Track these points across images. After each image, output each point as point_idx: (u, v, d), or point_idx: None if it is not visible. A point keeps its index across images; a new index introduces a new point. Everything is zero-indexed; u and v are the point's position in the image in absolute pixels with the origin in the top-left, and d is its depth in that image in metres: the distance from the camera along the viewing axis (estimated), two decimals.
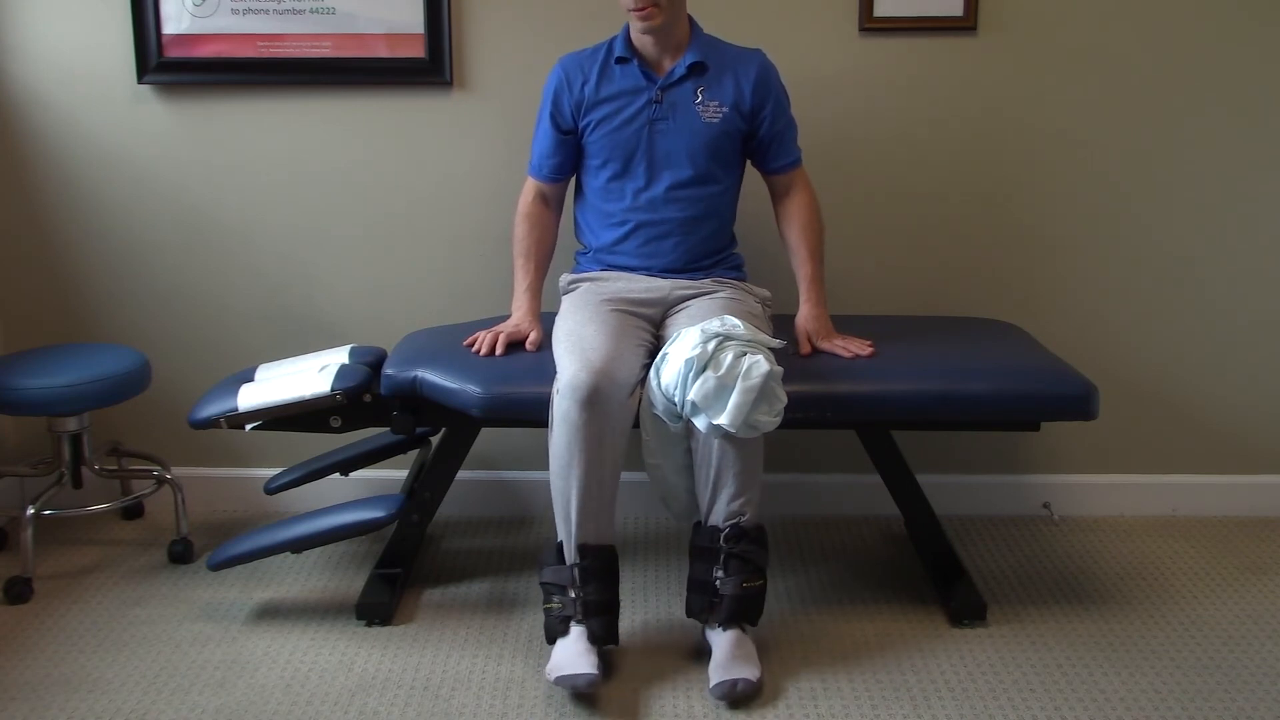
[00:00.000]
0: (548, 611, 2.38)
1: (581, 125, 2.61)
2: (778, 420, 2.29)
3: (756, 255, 2.81)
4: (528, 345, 2.59)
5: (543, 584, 2.40)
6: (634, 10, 2.48)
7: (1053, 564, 2.89)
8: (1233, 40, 2.92)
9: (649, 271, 2.62)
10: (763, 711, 2.26)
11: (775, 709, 2.27)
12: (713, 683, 2.28)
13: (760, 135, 2.62)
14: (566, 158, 2.66)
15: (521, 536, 3.05)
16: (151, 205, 3.03)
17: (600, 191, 2.64)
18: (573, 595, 2.34)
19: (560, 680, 2.26)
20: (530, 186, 2.71)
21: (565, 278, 2.72)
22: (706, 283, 2.62)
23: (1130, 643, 2.51)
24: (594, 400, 2.28)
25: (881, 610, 2.65)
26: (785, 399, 2.30)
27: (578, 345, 2.37)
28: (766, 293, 2.68)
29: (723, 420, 2.23)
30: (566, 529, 2.36)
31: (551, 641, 2.36)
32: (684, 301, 2.58)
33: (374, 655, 2.46)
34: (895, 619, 2.61)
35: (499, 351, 2.56)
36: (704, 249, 2.64)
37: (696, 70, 2.57)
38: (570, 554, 2.36)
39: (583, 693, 2.27)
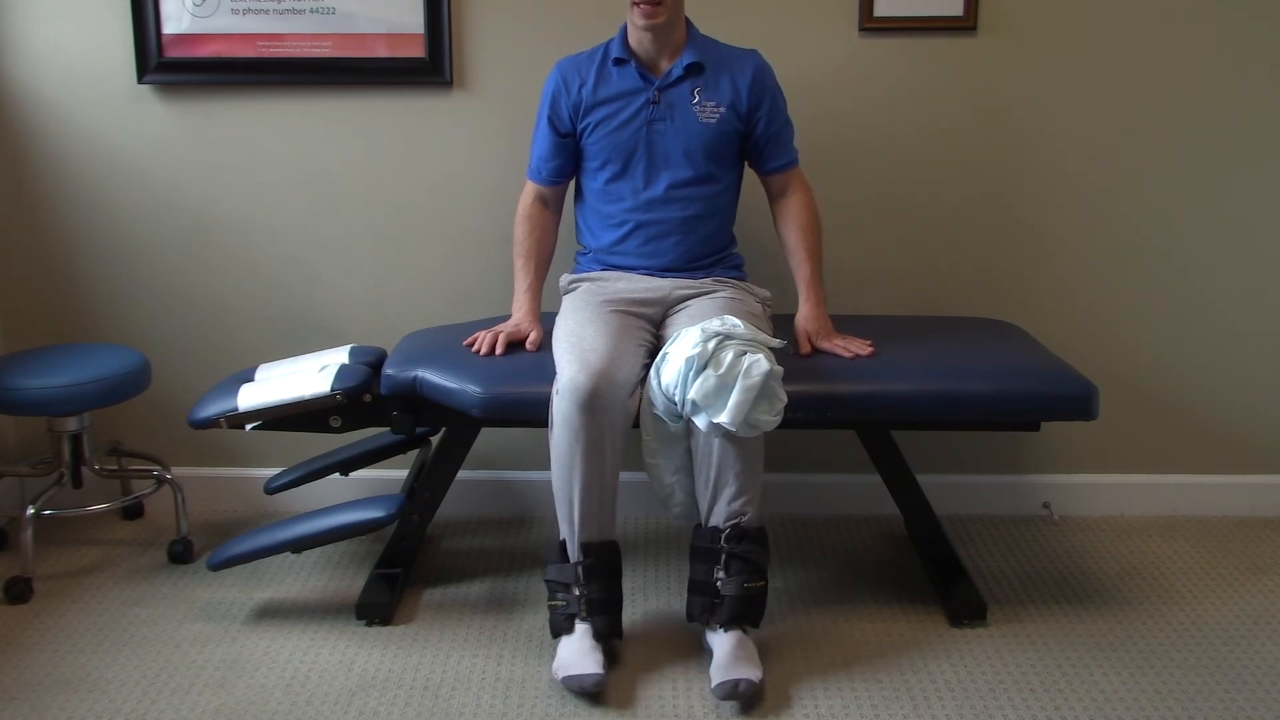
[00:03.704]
0: (552, 608, 2.40)
1: (580, 127, 2.61)
2: (778, 419, 2.29)
3: (757, 255, 2.81)
4: (528, 345, 2.59)
5: (547, 581, 2.41)
6: (639, 5, 2.47)
7: (1053, 564, 2.89)
8: (1233, 40, 2.92)
9: (649, 271, 2.62)
10: (763, 711, 2.26)
11: (775, 709, 2.27)
12: (714, 683, 2.28)
13: (756, 135, 2.62)
14: (566, 160, 2.66)
15: (521, 536, 3.05)
16: (151, 205, 3.03)
17: (599, 193, 2.64)
18: (577, 593, 2.35)
19: (567, 680, 2.28)
20: (530, 189, 2.71)
21: (565, 278, 2.72)
22: (707, 282, 2.62)
23: (1130, 643, 2.51)
24: (593, 402, 2.28)
25: (881, 610, 2.65)
26: (785, 398, 2.30)
27: (577, 346, 2.38)
28: (766, 293, 2.68)
29: (723, 419, 2.23)
30: (569, 528, 2.37)
31: (556, 636, 2.38)
32: (684, 301, 2.58)
33: (374, 655, 2.46)
34: (895, 619, 2.61)
35: (499, 351, 2.56)
36: (704, 249, 2.64)
37: (694, 71, 2.57)
38: (574, 552, 2.37)
39: (589, 692, 2.28)
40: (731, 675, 2.27)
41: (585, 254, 2.72)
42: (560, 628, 2.38)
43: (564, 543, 2.39)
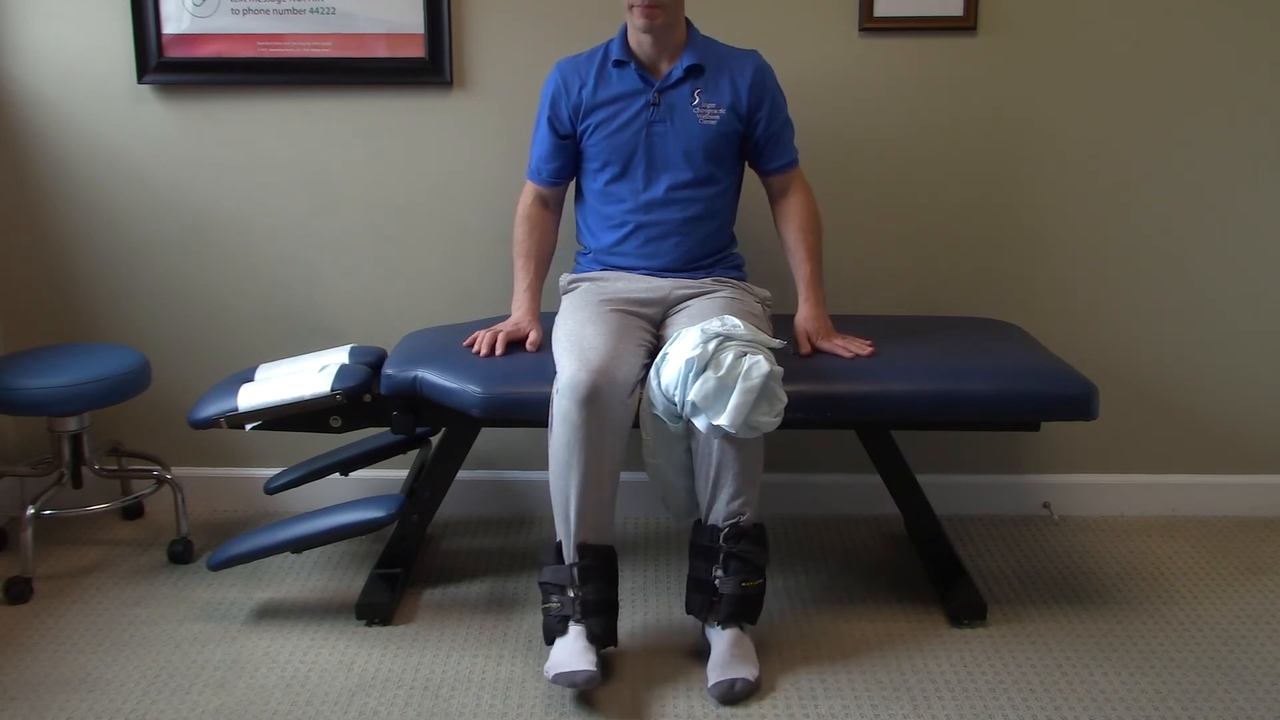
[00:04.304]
0: (546, 611, 2.38)
1: (580, 129, 2.61)
2: (778, 421, 2.29)
3: (757, 255, 2.81)
4: (527, 345, 2.59)
5: (541, 584, 2.40)
6: (638, 7, 2.47)
7: (1053, 564, 2.89)
8: (1232, 40, 2.92)
9: (649, 271, 2.62)
10: (762, 711, 2.26)
11: (775, 709, 2.27)
12: (710, 682, 2.29)
13: (757, 136, 2.61)
14: (565, 162, 2.66)
15: (521, 536, 3.05)
16: (151, 205, 3.03)
17: (600, 194, 2.64)
18: (571, 595, 2.34)
19: (558, 678, 2.25)
20: (529, 190, 2.71)
21: (565, 277, 2.72)
22: (707, 282, 2.62)
23: (1130, 643, 2.51)
24: (592, 400, 2.28)
25: (881, 610, 2.65)
26: (785, 399, 2.30)
27: (577, 345, 2.37)
28: (766, 293, 2.68)
29: (723, 421, 2.23)
30: (565, 528, 2.36)
31: (550, 641, 2.36)
32: (684, 301, 2.58)
33: (374, 655, 2.46)
34: (895, 619, 2.61)
35: (499, 351, 2.55)
36: (704, 249, 2.64)
37: (694, 72, 2.57)
38: (569, 553, 2.36)
39: (581, 690, 2.27)
40: (728, 675, 2.27)
41: (585, 254, 2.72)
42: (554, 630, 2.35)
43: (559, 545, 2.38)
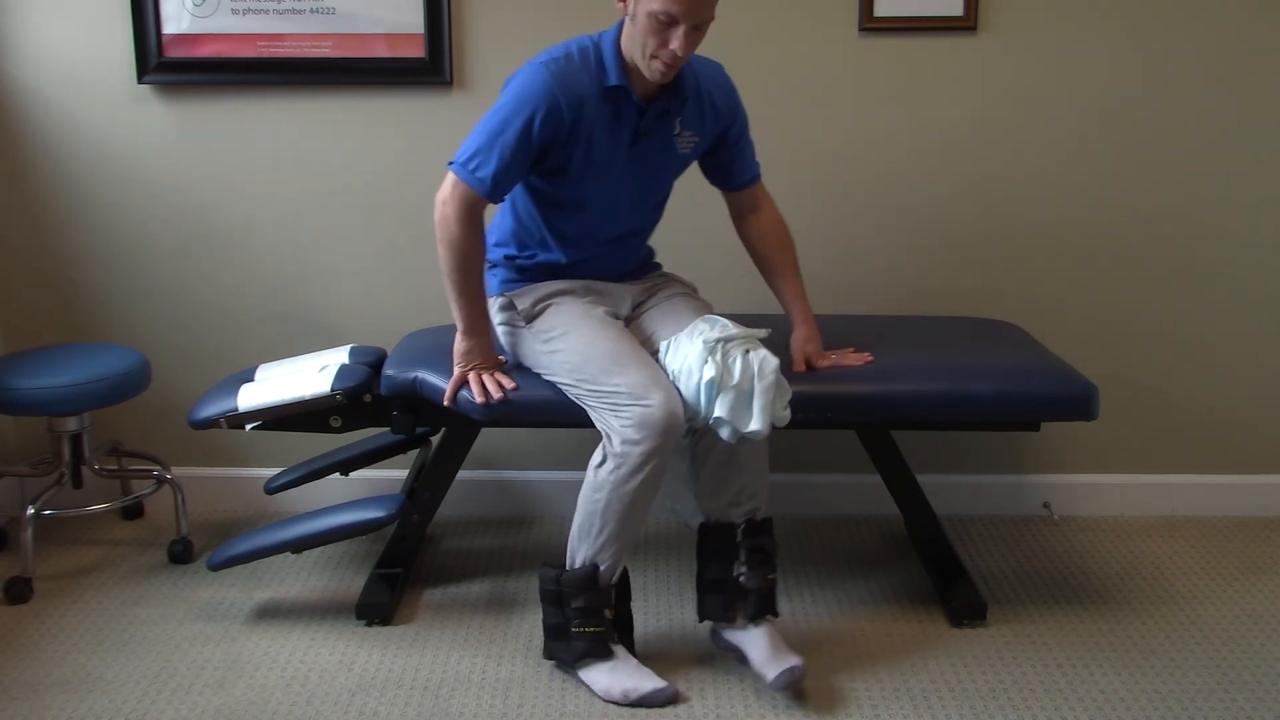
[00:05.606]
0: (579, 635, 2.31)
1: (561, 158, 2.34)
2: (789, 413, 2.29)
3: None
4: (508, 388, 2.42)
5: (577, 609, 2.30)
6: (659, 61, 2.24)
7: (1053, 564, 2.89)
8: (1232, 40, 2.92)
9: (605, 278, 2.52)
10: (762, 711, 2.26)
11: (775, 709, 2.27)
12: (770, 676, 2.27)
13: (723, 153, 2.49)
14: (519, 181, 2.38)
15: (521, 536, 3.05)
16: (151, 205, 3.03)
17: (568, 223, 2.45)
18: (609, 615, 2.33)
19: (646, 698, 2.27)
20: (473, 201, 2.30)
21: (530, 292, 2.47)
22: (650, 278, 2.57)
23: (1130, 643, 2.51)
24: (675, 435, 2.23)
25: (881, 610, 2.65)
26: (790, 387, 2.30)
27: (641, 375, 2.24)
28: (691, 283, 2.61)
29: (755, 427, 2.21)
30: (615, 559, 2.31)
31: (581, 662, 2.32)
32: (641, 304, 2.52)
33: (374, 655, 2.46)
34: (895, 619, 2.61)
35: (509, 386, 2.41)
36: (642, 253, 2.60)
37: (682, 104, 2.39)
38: (611, 576, 2.32)
39: (671, 703, 2.27)
40: (785, 664, 2.27)
41: (529, 260, 2.49)
42: (594, 653, 2.30)
43: (594, 570, 2.30)
